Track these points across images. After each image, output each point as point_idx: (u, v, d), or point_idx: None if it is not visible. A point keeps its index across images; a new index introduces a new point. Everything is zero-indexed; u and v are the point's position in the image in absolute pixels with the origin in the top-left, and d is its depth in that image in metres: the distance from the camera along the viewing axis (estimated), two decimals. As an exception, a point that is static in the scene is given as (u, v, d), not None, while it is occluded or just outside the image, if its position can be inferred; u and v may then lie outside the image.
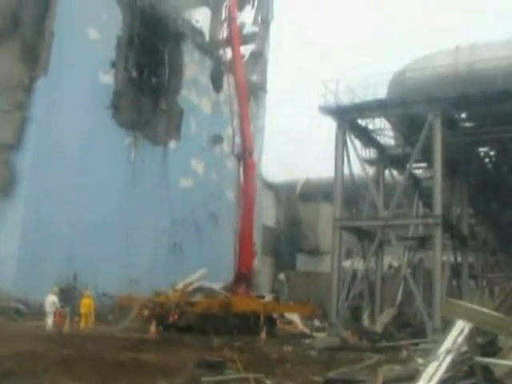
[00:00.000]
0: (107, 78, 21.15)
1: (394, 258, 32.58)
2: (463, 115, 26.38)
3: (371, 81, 27.88)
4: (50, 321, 15.79)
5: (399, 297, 27.07)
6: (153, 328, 17.13)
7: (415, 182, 28.92)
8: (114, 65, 21.36)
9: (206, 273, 20.62)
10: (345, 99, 26.93)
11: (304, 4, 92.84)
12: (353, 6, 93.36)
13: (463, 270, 28.23)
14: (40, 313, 16.49)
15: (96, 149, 20.55)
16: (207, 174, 27.04)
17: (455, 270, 27.11)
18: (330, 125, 26.43)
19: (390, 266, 33.91)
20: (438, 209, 22.94)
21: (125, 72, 21.92)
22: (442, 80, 25.02)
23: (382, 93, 27.95)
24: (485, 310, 7.48)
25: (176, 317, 17.84)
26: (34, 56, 19.03)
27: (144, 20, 22.38)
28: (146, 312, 17.62)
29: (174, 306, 17.73)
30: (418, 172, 29.85)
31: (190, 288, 19.59)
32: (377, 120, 27.84)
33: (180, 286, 19.23)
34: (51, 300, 15.86)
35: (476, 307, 7.34)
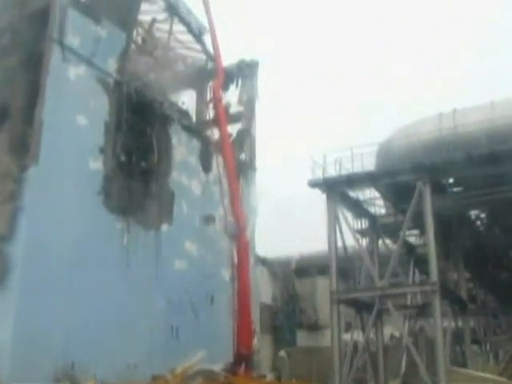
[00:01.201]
0: (97, 164, 21.14)
1: (394, 327, 32.12)
2: (451, 180, 26.60)
3: (358, 151, 28.20)
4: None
5: (403, 367, 26.58)
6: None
7: (409, 249, 28.88)
8: (102, 151, 21.39)
9: (204, 355, 20.22)
10: (333, 172, 27.14)
11: (288, 77, 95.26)
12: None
13: (465, 335, 27.87)
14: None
15: (88, 235, 20.39)
16: (201, 254, 26.79)
17: (457, 336, 26.76)
18: (320, 197, 26.58)
19: (392, 337, 33.45)
20: (434, 275, 22.80)
21: (114, 157, 21.94)
22: (427, 147, 25.29)
23: (369, 163, 28.19)
24: (488, 375, 7.35)
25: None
26: (23, 146, 19.09)
27: (131, 105, 22.59)
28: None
29: (174, 391, 17.31)
30: (412, 239, 29.89)
31: (190, 372, 19.18)
32: (366, 190, 28.10)
33: (179, 370, 18.82)
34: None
35: (479, 374, 7.21)
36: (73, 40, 20.59)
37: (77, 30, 20.81)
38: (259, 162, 31.59)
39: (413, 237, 29.75)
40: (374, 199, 28.24)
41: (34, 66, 20.04)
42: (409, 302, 28.56)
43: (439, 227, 24.56)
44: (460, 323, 28.42)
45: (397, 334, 32.20)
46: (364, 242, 28.13)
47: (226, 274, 26.90)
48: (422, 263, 27.07)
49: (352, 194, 28.11)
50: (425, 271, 26.43)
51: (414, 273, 29.68)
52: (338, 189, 25.88)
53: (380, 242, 28.33)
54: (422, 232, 26.14)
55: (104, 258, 21.19)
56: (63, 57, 20.22)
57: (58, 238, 19.31)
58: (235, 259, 23.88)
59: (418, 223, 25.33)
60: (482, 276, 33.29)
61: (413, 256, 29.15)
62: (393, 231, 27.59)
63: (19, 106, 19.98)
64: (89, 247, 20.46)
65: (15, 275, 18.23)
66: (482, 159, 23.15)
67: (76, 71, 20.74)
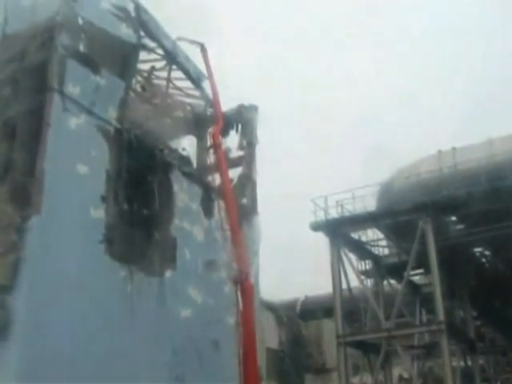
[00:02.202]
0: (98, 213, 20.98)
1: (403, 368, 31.67)
2: (453, 218, 26.48)
3: (359, 193, 28.14)
4: None
5: (414, 409, 26.09)
6: None
7: (414, 289, 28.67)
8: (104, 199, 21.25)
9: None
10: (334, 214, 26.97)
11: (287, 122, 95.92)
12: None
13: (475, 375, 27.46)
14: None
15: (91, 284, 20.14)
16: (205, 300, 26.43)
17: (467, 375, 26.36)
18: (323, 239, 26.45)
19: (401, 378, 32.93)
20: (440, 315, 22.59)
21: (115, 205, 21.78)
22: (428, 186, 25.28)
23: (371, 204, 28.11)
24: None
25: None
26: (25, 196, 18.98)
27: (131, 153, 22.56)
28: None
29: None
30: (417, 279, 29.65)
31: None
32: (369, 230, 27.95)
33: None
34: None
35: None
36: (73, 90, 20.66)
37: (76, 80, 20.90)
38: (261, 205, 31.50)
39: (417, 276, 29.55)
40: (377, 240, 28.13)
41: (34, 117, 20.06)
42: (416, 343, 28.15)
43: (444, 265, 24.36)
44: (469, 362, 27.97)
45: (406, 375, 31.70)
46: (369, 282, 27.91)
47: (231, 319, 26.51)
48: (428, 302, 26.83)
49: (355, 235, 27.94)
50: (431, 310, 26.13)
51: (420, 312, 29.38)
52: (340, 231, 25.77)
53: (385, 282, 28.11)
54: (427, 271, 25.93)
55: (107, 307, 20.89)
56: (64, 107, 20.25)
57: (60, 287, 19.08)
58: (240, 305, 23.58)
59: (422, 262, 25.15)
60: (490, 313, 32.95)
61: (418, 295, 28.91)
62: (397, 271, 27.39)
63: (21, 156, 19.95)
64: (92, 296, 20.18)
65: (17, 327, 17.93)
66: (481, 196, 23.15)
67: (76, 120, 20.75)
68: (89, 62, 21.69)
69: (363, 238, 28.87)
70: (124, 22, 23.88)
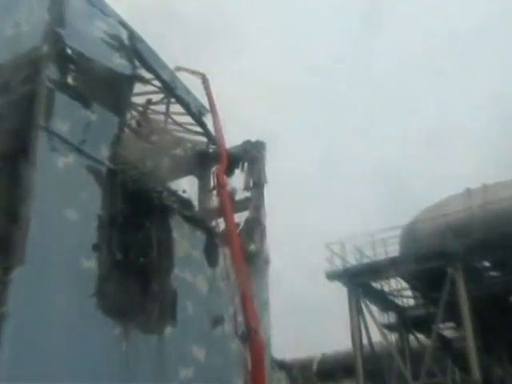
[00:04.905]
0: (90, 263, 20.71)
1: None
2: (487, 263, 26.05)
3: (380, 237, 27.75)
4: None
5: None
6: None
7: (445, 344, 28.14)
8: (96, 248, 21.00)
9: None
10: (353, 261, 26.54)
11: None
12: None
13: None
14: None
15: (82, 344, 19.78)
16: (210, 359, 25.99)
17: None
18: (341, 289, 26.00)
19: None
20: (475, 373, 22.10)
21: (109, 255, 21.52)
22: (456, 228, 24.92)
23: (393, 249, 27.71)
24: None
25: None
26: (7, 244, 18.73)
27: (126, 196, 22.37)
28: None
29: None
30: (447, 332, 29.09)
31: None
32: (392, 279, 27.49)
33: None
34: None
35: None
36: (61, 126, 20.57)
37: (65, 116, 20.84)
38: (271, 252, 31.17)
39: (448, 330, 28.96)
40: (401, 290, 27.68)
41: (19, 157, 19.94)
42: (449, 405, 27.54)
43: (477, 317, 23.84)
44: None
45: None
46: (393, 337, 27.39)
47: (239, 381, 26.01)
48: (460, 359, 26.24)
49: (376, 284, 27.49)
50: (464, 369, 25.52)
51: (452, 371, 28.74)
52: (360, 280, 25.37)
53: (411, 337, 27.58)
54: (458, 324, 25.41)
55: (100, 369, 20.51)
56: (51, 145, 20.14)
57: (47, 347, 18.75)
58: (248, 364, 23.13)
59: (453, 314, 24.65)
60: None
61: (450, 352, 28.28)
62: (424, 324, 26.89)
63: (2, 201, 19.76)
64: (82, 357, 19.81)
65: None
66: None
67: (65, 160, 20.60)
68: (78, 96, 21.67)
69: (385, 288, 28.43)
70: (117, 51, 23.98)
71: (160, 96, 29.05)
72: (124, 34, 24.63)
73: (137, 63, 25.33)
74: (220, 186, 26.18)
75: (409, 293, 28.70)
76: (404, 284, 27.90)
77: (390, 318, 29.17)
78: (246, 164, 31.24)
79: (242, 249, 26.00)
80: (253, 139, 31.64)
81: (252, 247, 30.31)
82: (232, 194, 28.18)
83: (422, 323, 27.62)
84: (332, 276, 25.39)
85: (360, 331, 25.13)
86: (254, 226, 30.59)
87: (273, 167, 32.20)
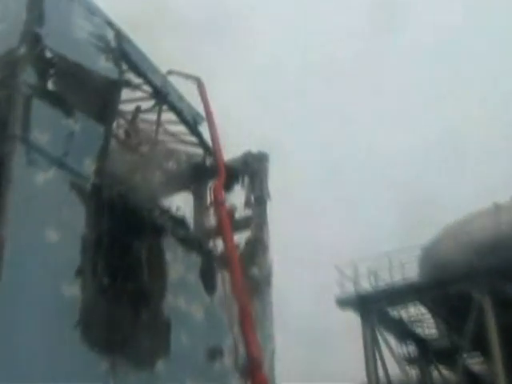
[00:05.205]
0: (72, 290, 20.66)
1: None
2: (517, 287, 25.98)
3: (397, 258, 27.70)
4: None
5: None
6: None
7: (471, 378, 28.06)
8: (80, 272, 20.97)
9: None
10: (367, 285, 26.47)
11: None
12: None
13: None
14: None
15: (62, 382, 19.69)
16: (207, 397, 26.00)
17: None
18: (353, 316, 25.89)
19: None
20: (506, 410, 21.89)
21: (94, 280, 21.51)
22: (483, 247, 24.87)
23: (412, 272, 27.63)
24: None
25: None
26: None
27: (113, 214, 22.31)
28: None
29: None
30: (474, 365, 28.98)
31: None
32: (411, 305, 27.39)
33: None
34: None
35: None
36: (40, 137, 20.52)
37: (44, 125, 20.78)
38: (275, 275, 31.15)
39: (475, 362, 28.85)
40: (421, 317, 27.60)
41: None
42: None
43: (507, 348, 23.72)
44: None
45: None
46: (413, 371, 27.29)
47: (240, 422, 26.00)
48: (490, 395, 26.09)
49: (393, 311, 27.41)
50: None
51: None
52: (375, 306, 25.29)
53: (433, 370, 27.47)
54: (487, 356, 25.30)
55: (84, 410, 20.45)
56: (28, 158, 20.08)
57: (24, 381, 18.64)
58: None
59: (480, 345, 24.53)
60: None
61: (477, 386, 28.14)
62: (448, 356, 26.76)
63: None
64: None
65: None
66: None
67: (44, 175, 20.55)
68: (60, 103, 21.66)
69: (404, 316, 28.34)
70: (103, 53, 24.05)
71: (150, 103, 29.05)
72: (110, 35, 24.71)
73: (124, 66, 25.41)
74: (218, 202, 26.16)
75: (430, 321, 28.61)
76: (425, 311, 27.79)
77: (410, 349, 29.08)
78: (246, 178, 31.27)
79: (243, 273, 25.98)
80: (254, 150, 31.67)
81: (254, 270, 30.31)
82: (231, 211, 28.21)
83: (445, 355, 27.50)
84: (344, 302, 25.33)
85: (375, 363, 25.05)
86: (256, 247, 30.60)
87: (277, 178, 32.20)
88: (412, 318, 27.57)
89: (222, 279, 25.38)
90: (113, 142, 25.91)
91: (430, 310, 26.96)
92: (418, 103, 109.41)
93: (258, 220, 30.98)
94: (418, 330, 27.86)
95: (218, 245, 26.61)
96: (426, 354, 27.20)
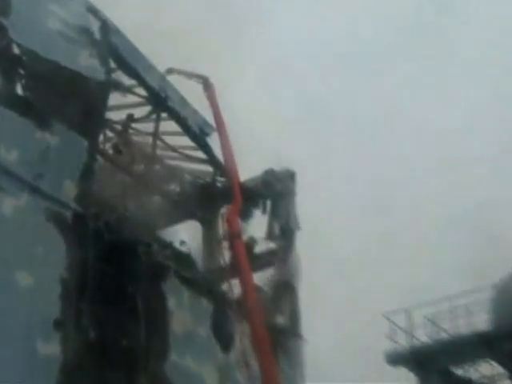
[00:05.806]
0: (50, 348, 20.52)
1: None
2: None
3: (460, 302, 27.46)
4: None
5: None
6: None
7: None
8: (59, 325, 20.83)
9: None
10: (423, 337, 26.28)
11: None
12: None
13: None
14: None
15: None
16: None
17: None
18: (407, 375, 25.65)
19: None
20: None
21: (77, 334, 21.38)
22: None
23: (480, 320, 27.43)
24: None
25: None
26: None
27: (101, 250, 22.19)
28: None
29: None
30: None
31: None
32: (481, 361, 27.16)
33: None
34: None
35: None
36: (7, 155, 20.40)
37: (13, 140, 20.66)
38: (306, 326, 31.01)
39: None
40: (496, 377, 27.26)
41: None
42: None
43: None
44: None
45: None
46: None
47: None
48: None
49: (457, 369, 27.18)
50: None
51: None
52: (435, 364, 24.98)
53: None
54: None
55: None
56: (-7, 182, 20.01)
57: None
58: None
59: None
60: None
61: None
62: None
63: None
64: None
65: None
66: None
67: (14, 203, 20.44)
68: (31, 112, 21.60)
69: (473, 375, 28.08)
70: (85, 49, 23.93)
71: (146, 109, 28.93)
72: (95, 25, 24.61)
73: (112, 64, 25.35)
74: (233, 234, 26.04)
75: (508, 381, 28.36)
76: (500, 369, 27.56)
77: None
78: (268, 203, 31.10)
79: (266, 324, 25.83)
80: (277, 167, 31.44)
81: (280, 320, 30.15)
82: (250, 245, 28.08)
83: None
84: (395, 359, 25.04)
85: None
86: (282, 291, 30.44)
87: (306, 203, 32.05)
88: (484, 378, 27.28)
89: (240, 331, 25.29)
90: (99, 160, 25.86)
91: (507, 368, 26.66)
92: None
93: (283, 255, 30.80)
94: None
95: (234, 288, 26.42)
96: (503, 423, 26.89)
